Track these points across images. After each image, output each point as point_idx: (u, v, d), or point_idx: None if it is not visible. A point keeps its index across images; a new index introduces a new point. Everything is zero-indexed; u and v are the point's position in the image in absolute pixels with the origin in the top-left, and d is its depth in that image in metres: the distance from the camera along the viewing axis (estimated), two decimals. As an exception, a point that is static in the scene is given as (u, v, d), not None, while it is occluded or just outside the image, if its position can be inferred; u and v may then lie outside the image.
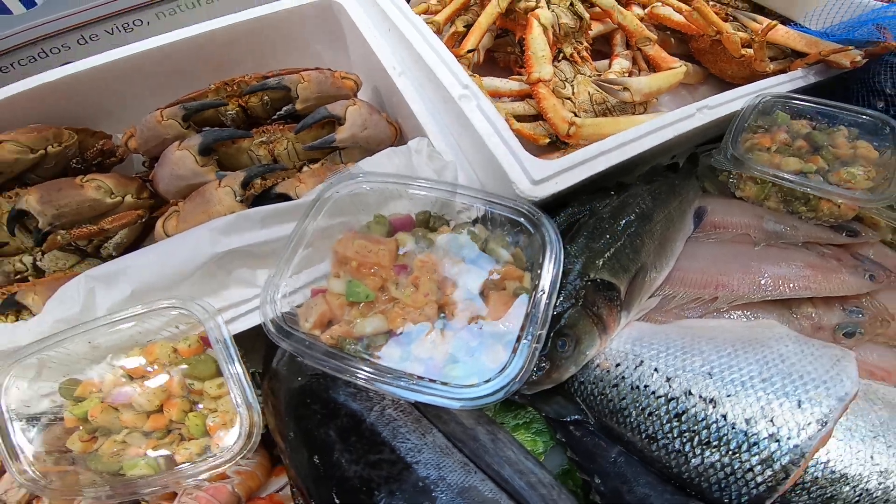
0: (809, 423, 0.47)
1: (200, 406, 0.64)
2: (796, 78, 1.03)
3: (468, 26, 1.04)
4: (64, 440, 0.66)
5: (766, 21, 1.10)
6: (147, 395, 0.62)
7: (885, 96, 1.01)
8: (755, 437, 0.48)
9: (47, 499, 0.67)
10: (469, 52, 0.88)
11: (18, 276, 0.87)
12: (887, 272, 0.74)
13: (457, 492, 0.43)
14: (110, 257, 0.85)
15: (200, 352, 0.64)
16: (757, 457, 0.47)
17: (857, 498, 0.53)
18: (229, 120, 0.87)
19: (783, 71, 1.07)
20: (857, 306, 0.69)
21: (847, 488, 0.52)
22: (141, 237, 0.86)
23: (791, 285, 0.67)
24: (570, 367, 0.55)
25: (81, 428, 0.67)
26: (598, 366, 0.58)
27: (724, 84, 1.23)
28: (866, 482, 0.53)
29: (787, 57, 1.10)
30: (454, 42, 0.98)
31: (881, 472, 0.53)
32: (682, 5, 1.15)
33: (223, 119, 0.87)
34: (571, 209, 0.72)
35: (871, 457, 0.53)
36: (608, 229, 0.64)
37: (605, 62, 1.15)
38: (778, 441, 0.47)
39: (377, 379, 0.50)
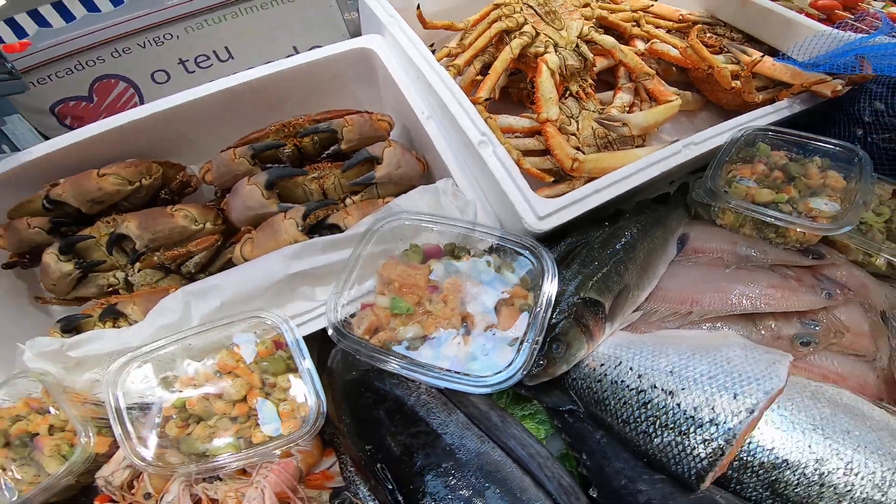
0: (741, 411, 0.64)
1: (274, 396, 0.84)
2: (782, 108, 1.18)
3: (486, 66, 1.22)
4: (163, 426, 0.84)
5: (755, 53, 1.25)
6: (236, 386, 0.82)
7: (864, 124, 1.13)
8: (700, 421, 0.64)
9: (147, 477, 0.84)
10: (486, 99, 1.06)
11: (111, 289, 1.09)
12: (845, 290, 0.90)
13: (474, 455, 0.62)
14: (189, 274, 1.06)
15: (273, 352, 0.85)
16: (700, 437, 0.64)
17: (796, 481, 0.67)
18: (285, 156, 1.08)
19: (773, 100, 1.22)
20: (813, 320, 0.85)
21: (788, 472, 0.67)
22: (214, 257, 1.07)
23: (754, 302, 0.83)
24: (563, 365, 0.74)
25: (176, 416, 0.85)
26: (587, 365, 0.76)
27: (723, 111, 1.39)
28: (804, 468, 0.67)
29: (777, 87, 1.25)
30: (472, 88, 1.16)
31: (817, 459, 0.68)
32: (679, 42, 1.30)
33: (280, 156, 1.08)
34: (571, 238, 0.90)
35: (809, 446, 0.68)
36: (597, 257, 0.83)
37: (611, 93, 1.33)
38: (716, 425, 0.64)
39: (415, 371, 0.70)
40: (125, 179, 1.02)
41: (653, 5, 1.44)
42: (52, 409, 0.89)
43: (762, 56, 1.21)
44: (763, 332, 0.84)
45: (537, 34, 1.19)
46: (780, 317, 0.85)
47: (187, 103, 1.18)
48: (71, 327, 1.00)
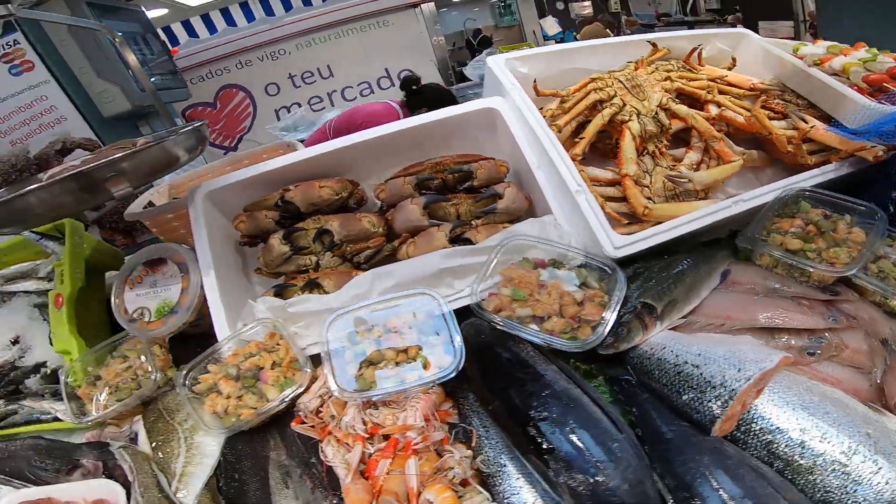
0: (741, 379, 1.02)
1: (424, 350, 1.33)
2: (828, 171, 1.50)
3: (580, 125, 1.67)
4: (345, 367, 1.34)
5: (812, 121, 1.58)
6: (402, 339, 1.32)
7: None
8: (713, 383, 1.03)
9: (331, 403, 1.21)
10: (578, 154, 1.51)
11: (304, 268, 1.65)
12: (850, 319, 1.24)
13: (563, 389, 1.07)
14: (358, 263, 1.60)
15: (428, 320, 1.35)
16: (713, 394, 1.03)
17: (784, 443, 0.97)
18: (434, 186, 1.60)
19: (826, 161, 1.54)
20: (819, 337, 1.21)
21: (779, 436, 0.97)
22: (377, 252, 1.60)
23: (771, 319, 1.21)
24: (624, 343, 1.17)
25: (356, 359, 1.36)
26: (641, 348, 1.19)
27: (787, 167, 1.70)
28: (790, 433, 1.01)
29: (830, 150, 1.57)
30: (570, 145, 1.62)
31: (801, 429, 1.01)
32: (743, 110, 1.67)
33: (431, 185, 1.60)
34: (637, 265, 1.33)
35: (797, 419, 1.02)
36: (655, 276, 1.26)
37: (684, 149, 1.72)
38: (724, 387, 1.02)
39: (528, 335, 1.16)
40: (335, 191, 1.58)
41: (726, 75, 1.82)
42: (273, 350, 1.36)
43: (812, 126, 1.55)
44: (778, 342, 1.21)
45: (624, 105, 1.63)
46: (793, 332, 1.21)
47: (357, 143, 1.72)
48: (280, 292, 1.56)
